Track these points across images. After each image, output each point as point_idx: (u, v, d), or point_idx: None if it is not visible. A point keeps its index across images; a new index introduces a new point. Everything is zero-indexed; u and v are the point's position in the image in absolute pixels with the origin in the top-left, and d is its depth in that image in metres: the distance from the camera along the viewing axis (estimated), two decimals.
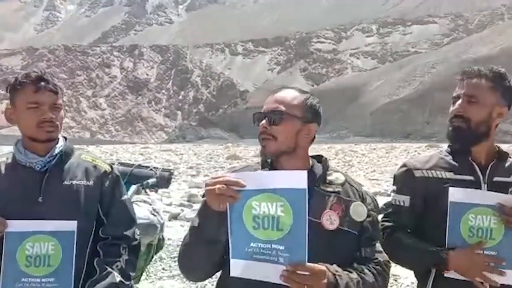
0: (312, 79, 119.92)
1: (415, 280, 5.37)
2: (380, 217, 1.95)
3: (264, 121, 1.61)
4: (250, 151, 33.12)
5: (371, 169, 20.25)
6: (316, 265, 1.43)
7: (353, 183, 1.70)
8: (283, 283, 1.41)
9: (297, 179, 1.40)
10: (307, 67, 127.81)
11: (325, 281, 1.44)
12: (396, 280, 4.88)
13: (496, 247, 1.75)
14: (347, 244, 1.59)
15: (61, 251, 1.77)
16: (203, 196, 1.50)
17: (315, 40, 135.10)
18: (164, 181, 3.63)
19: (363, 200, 1.66)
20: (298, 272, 1.39)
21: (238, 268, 1.42)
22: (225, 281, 1.58)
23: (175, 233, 6.73)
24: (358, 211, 1.62)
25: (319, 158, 1.72)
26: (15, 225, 1.75)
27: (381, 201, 2.68)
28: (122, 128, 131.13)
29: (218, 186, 1.40)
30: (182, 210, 9.06)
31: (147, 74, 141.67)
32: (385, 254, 1.70)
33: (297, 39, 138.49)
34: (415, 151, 30.72)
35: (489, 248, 1.75)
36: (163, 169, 3.68)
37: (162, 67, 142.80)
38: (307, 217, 1.40)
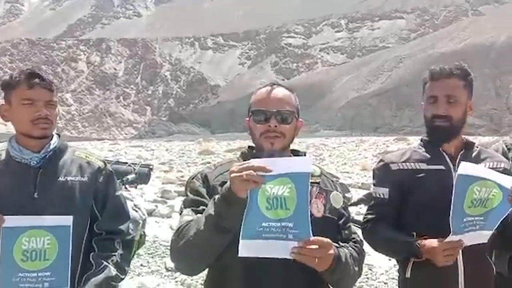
0: (282, 74, 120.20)
1: (388, 268, 5.57)
2: (364, 209, 2.10)
3: (273, 120, 1.71)
4: (222, 145, 33.01)
5: (342, 162, 20.57)
6: (323, 238, 1.57)
7: (327, 175, 1.89)
8: (289, 259, 1.53)
9: (304, 164, 1.55)
10: (278, 62, 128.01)
11: (332, 251, 1.59)
12: (371, 269, 5.03)
13: (485, 214, 1.86)
14: (331, 229, 1.76)
15: (57, 246, 1.79)
16: (221, 184, 1.60)
17: (286, 35, 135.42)
18: (143, 176, 3.62)
19: (336, 189, 1.86)
20: (308, 246, 1.52)
21: (247, 248, 1.51)
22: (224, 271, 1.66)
23: (150, 230, 6.68)
24: (337, 199, 1.81)
25: (296, 153, 1.87)
26: (11, 221, 1.77)
27: (353, 192, 2.81)
28: (89, 124, 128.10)
29: (245, 172, 1.46)
30: (157, 206, 8.96)
31: (115, 69, 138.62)
32: (359, 234, 1.92)
33: (268, 33, 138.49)
34: (384, 144, 31.34)
35: (475, 215, 1.86)
36: (142, 164, 3.67)
37: (130, 61, 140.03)
38: (308, 196, 1.54)
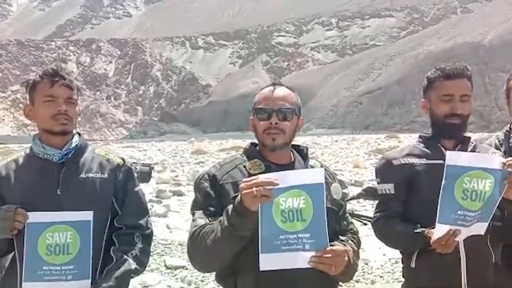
0: (274, 73, 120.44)
1: (383, 263, 5.67)
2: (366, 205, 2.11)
3: (274, 118, 1.80)
4: (215, 145, 33.07)
5: (334, 160, 20.72)
6: (337, 247, 1.66)
7: (326, 168, 1.97)
8: (308, 268, 1.60)
9: (317, 176, 1.62)
10: (269, 61, 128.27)
11: (346, 258, 1.68)
12: (367, 264, 5.16)
13: (481, 208, 1.85)
14: (332, 219, 1.80)
15: (79, 240, 1.86)
16: (233, 198, 1.65)
17: (276, 34, 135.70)
18: (145, 175, 3.69)
19: (335, 181, 1.95)
20: (325, 256, 1.59)
21: (267, 261, 1.57)
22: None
23: None
24: (337, 191, 1.91)
25: (297, 148, 1.96)
26: (36, 217, 1.85)
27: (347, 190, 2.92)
28: (80, 125, 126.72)
29: (255, 188, 1.54)
30: (152, 206, 9.03)
31: (105, 69, 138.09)
32: (354, 224, 2.00)
33: (258, 32, 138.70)
34: (375, 141, 31.63)
35: (475, 211, 1.85)
36: (143, 164, 3.74)
37: (120, 61, 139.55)
38: (325, 207, 1.61)
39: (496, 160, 1.89)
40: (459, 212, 1.86)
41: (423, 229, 1.99)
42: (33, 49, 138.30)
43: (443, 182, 1.88)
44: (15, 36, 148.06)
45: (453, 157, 1.90)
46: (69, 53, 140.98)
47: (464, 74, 2.12)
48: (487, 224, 1.88)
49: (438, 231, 1.89)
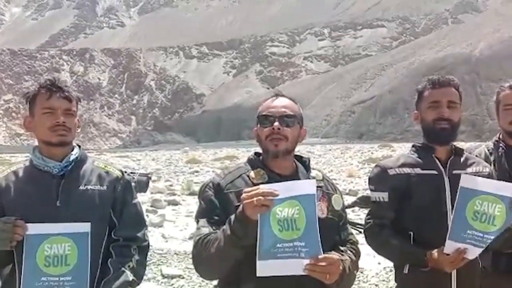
0: (267, 82, 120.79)
1: (378, 271, 5.73)
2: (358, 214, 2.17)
3: (277, 123, 1.85)
4: (209, 154, 33.11)
5: (328, 169, 20.81)
6: (332, 255, 1.71)
7: (328, 178, 2.02)
8: (302, 276, 1.66)
9: (309, 186, 1.69)
10: (263, 70, 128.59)
11: (341, 267, 1.74)
12: (362, 272, 5.20)
13: (495, 232, 1.95)
14: (333, 230, 1.90)
15: (77, 251, 1.87)
16: (236, 207, 1.70)
17: (270, 44, 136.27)
18: (142, 185, 3.75)
19: (336, 191, 2.00)
20: (319, 264, 1.65)
21: (264, 268, 1.63)
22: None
23: None
24: (337, 201, 1.95)
25: (299, 158, 1.99)
26: (35, 228, 1.86)
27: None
28: None
29: (255, 198, 1.60)
30: (148, 216, 9.04)
31: (99, 79, 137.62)
32: (354, 234, 2.05)
33: (252, 42, 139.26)
34: (369, 151, 31.83)
35: (490, 233, 1.95)
36: (140, 173, 3.81)
37: (114, 71, 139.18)
38: (317, 216, 1.67)
39: (508, 187, 1.97)
40: (468, 231, 1.95)
41: (421, 249, 2.04)
42: (26, 58, 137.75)
43: (456, 202, 1.97)
44: (7, 45, 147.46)
45: (468, 180, 1.99)
46: (63, 63, 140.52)
47: (451, 83, 2.22)
48: (480, 250, 1.97)
49: (448, 247, 1.98)
